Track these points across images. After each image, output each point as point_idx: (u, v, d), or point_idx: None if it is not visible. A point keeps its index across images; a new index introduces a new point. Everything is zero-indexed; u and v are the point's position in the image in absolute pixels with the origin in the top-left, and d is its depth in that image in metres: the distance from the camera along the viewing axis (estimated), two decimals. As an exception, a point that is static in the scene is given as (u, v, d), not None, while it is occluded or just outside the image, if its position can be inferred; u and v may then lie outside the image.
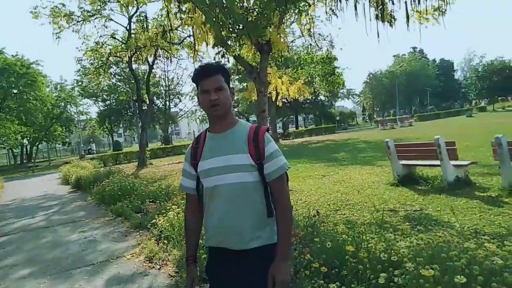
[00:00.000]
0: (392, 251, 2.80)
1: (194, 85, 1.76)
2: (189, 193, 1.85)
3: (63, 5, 15.96)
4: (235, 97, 43.14)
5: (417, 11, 8.07)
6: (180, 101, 46.23)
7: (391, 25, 8.14)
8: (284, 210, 1.70)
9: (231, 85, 1.76)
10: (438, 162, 6.63)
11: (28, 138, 33.74)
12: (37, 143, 36.85)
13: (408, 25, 8.12)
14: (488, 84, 52.58)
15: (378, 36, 8.02)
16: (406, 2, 7.79)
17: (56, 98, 34.57)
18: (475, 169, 7.51)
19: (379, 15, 7.90)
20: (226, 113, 1.70)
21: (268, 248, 1.65)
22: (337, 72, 23.46)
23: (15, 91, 29.11)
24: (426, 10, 8.08)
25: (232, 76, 33.35)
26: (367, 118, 62.25)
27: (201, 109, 1.81)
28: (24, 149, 38.57)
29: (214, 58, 9.04)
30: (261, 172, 1.66)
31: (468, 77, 71.34)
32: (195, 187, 1.79)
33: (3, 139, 29.35)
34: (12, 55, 29.06)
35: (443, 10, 8.04)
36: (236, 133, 1.71)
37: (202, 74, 1.68)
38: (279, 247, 1.65)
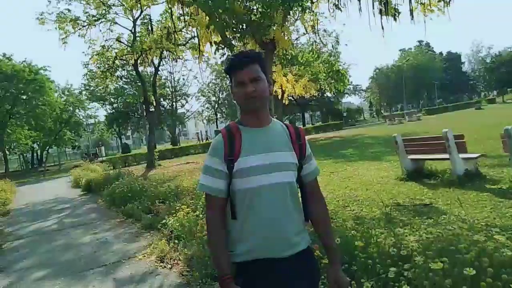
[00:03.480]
0: (402, 246, 2.81)
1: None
2: (217, 196, 1.53)
3: (69, 10, 16.15)
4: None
5: (421, 3, 8.02)
6: (187, 102, 46.49)
7: (395, 19, 8.09)
8: (327, 211, 1.67)
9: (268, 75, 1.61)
10: (447, 156, 6.58)
11: (38, 142, 34.20)
12: (47, 147, 37.35)
13: (412, 17, 8.08)
14: (496, 76, 52.01)
15: (383, 28, 7.98)
16: (410, -5, 7.75)
17: (64, 102, 34.99)
18: (485, 162, 7.44)
19: (383, 9, 7.86)
20: (264, 105, 1.55)
21: (309, 249, 1.61)
22: (341, 70, 23.36)
23: (24, 97, 29.52)
24: (430, 2, 8.01)
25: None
26: (374, 113, 61.90)
27: (235, 102, 1.55)
28: (35, 154, 39.07)
29: (220, 58, 9.07)
30: (298, 172, 1.59)
31: (476, 69, 70.56)
32: (226, 188, 1.53)
33: (14, 144, 29.80)
34: (20, 62, 29.47)
35: (448, 1, 7.97)
36: (277, 129, 1.59)
37: (237, 64, 1.52)
38: (332, 250, 1.61)
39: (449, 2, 7.90)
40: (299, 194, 1.60)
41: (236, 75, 1.52)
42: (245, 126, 1.55)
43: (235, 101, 1.59)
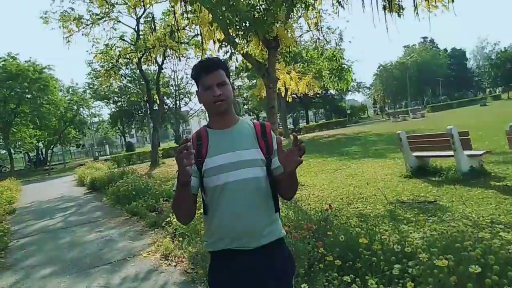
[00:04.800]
0: (406, 243, 2.80)
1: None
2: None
3: (72, 9, 16.16)
4: (245, 94, 43.17)
5: None
6: (190, 100, 46.51)
7: (399, 15, 8.02)
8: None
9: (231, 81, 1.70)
10: (451, 153, 6.55)
11: (43, 141, 34.38)
12: (52, 146, 37.52)
13: (417, 13, 8.00)
14: (502, 72, 51.54)
15: (386, 22, 7.88)
16: (414, -9, 7.68)
17: (68, 101, 35.13)
18: (490, 159, 7.40)
19: (387, 5, 7.81)
20: (230, 108, 1.65)
21: (279, 242, 1.65)
22: (345, 67, 23.25)
23: (29, 96, 29.64)
24: (435, -2, 7.93)
25: (241, 73, 33.31)
26: (378, 110, 61.61)
27: (202, 106, 1.56)
28: (40, 153, 39.30)
29: (223, 56, 9.06)
30: (268, 167, 1.63)
31: (481, 66, 70.04)
32: (197, 185, 1.63)
33: (19, 143, 29.98)
34: (25, 61, 29.60)
35: (452, -3, 7.88)
36: (242, 128, 1.67)
37: (203, 70, 1.62)
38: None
39: (452, -2, 7.81)
40: (269, 189, 1.63)
41: (203, 80, 1.61)
42: (212, 129, 1.67)
43: (201, 105, 1.68)
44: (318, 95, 40.49)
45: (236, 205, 1.57)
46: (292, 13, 9.49)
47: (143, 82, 24.53)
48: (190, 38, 16.97)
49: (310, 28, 12.01)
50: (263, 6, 7.84)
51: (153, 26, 16.73)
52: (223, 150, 1.60)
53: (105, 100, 42.14)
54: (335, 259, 2.86)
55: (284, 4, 7.58)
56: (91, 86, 37.56)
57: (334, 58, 20.84)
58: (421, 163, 7.33)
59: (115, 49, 17.97)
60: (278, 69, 16.53)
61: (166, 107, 40.26)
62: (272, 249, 1.61)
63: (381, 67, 66.40)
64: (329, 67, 22.25)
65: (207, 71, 1.60)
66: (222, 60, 1.72)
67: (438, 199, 5.40)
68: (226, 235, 1.59)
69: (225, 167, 1.57)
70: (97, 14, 16.40)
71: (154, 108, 20.07)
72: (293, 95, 31.00)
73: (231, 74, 1.79)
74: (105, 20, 16.71)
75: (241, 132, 1.66)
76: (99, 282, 4.15)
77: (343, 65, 23.02)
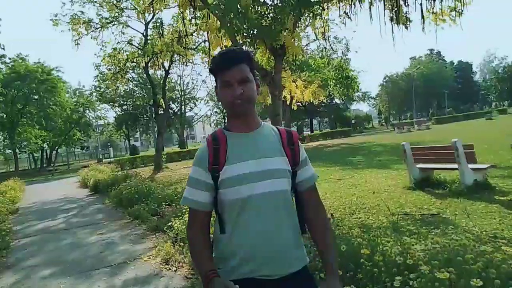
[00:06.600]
0: (408, 255, 2.79)
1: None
2: (200, 209, 1.40)
3: (82, 12, 16.40)
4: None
5: (432, 12, 7.99)
6: (195, 105, 46.79)
7: (406, 28, 8.07)
8: (328, 220, 1.53)
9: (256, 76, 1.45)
10: (455, 166, 6.52)
11: (48, 142, 34.64)
12: (57, 147, 37.80)
13: (423, 27, 8.05)
14: (508, 86, 51.39)
15: (393, 33, 7.94)
16: (421, 4, 7.73)
17: (75, 103, 35.43)
18: (494, 173, 7.35)
19: (394, 17, 7.85)
20: (252, 109, 1.41)
21: (306, 270, 1.45)
22: (352, 75, 23.35)
23: (36, 97, 29.97)
24: (442, 11, 7.98)
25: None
26: (383, 121, 61.49)
27: (221, 105, 1.29)
28: (44, 153, 39.57)
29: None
30: (293, 179, 1.43)
31: (488, 79, 69.89)
32: (211, 200, 1.40)
33: (25, 143, 30.22)
34: (34, 62, 29.95)
35: (460, 11, 7.93)
36: (266, 133, 1.44)
37: (224, 63, 1.37)
38: (330, 263, 1.43)
39: (461, 12, 7.86)
40: (294, 204, 1.46)
41: (222, 75, 1.37)
42: (232, 132, 1.42)
43: (220, 104, 1.44)
44: (323, 104, 40.50)
45: (264, 222, 1.34)
46: (299, 22, 9.56)
47: (149, 86, 24.70)
48: (197, 44, 17.13)
49: (317, 38, 12.07)
50: (271, 14, 7.91)
51: (161, 32, 16.90)
52: (245, 157, 1.36)
53: (111, 103, 42.45)
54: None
55: (292, 13, 7.65)
56: (98, 89, 37.89)
57: (341, 68, 20.96)
58: (425, 175, 7.30)
59: (123, 53, 18.19)
60: (284, 77, 16.59)
61: (171, 111, 40.46)
62: (301, 279, 1.41)
63: (387, 78, 66.47)
64: (336, 76, 22.36)
65: (227, 65, 1.36)
66: (247, 52, 1.46)
67: (441, 211, 5.36)
68: (251, 258, 1.33)
69: (248, 177, 1.34)
70: (106, 18, 16.62)
71: (160, 112, 20.17)
72: (298, 103, 31.07)
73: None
74: (114, 24, 16.94)
75: (266, 137, 1.43)
76: (99, 285, 4.15)
77: (349, 75, 23.14)
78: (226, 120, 1.52)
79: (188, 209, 1.48)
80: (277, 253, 1.34)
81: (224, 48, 8.78)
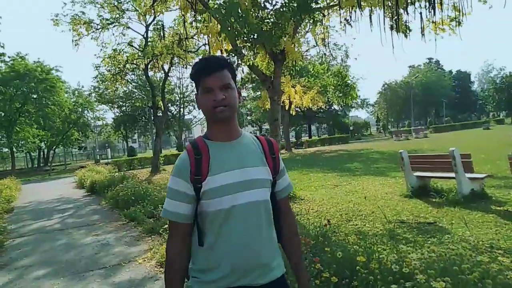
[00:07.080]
0: (404, 263, 2.78)
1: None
2: (180, 222, 1.36)
3: (83, 13, 16.41)
4: (249, 105, 43.34)
5: (432, 22, 8.04)
6: (194, 108, 46.78)
7: (406, 36, 8.11)
8: (297, 233, 1.56)
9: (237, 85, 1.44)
10: (453, 175, 6.54)
11: (45, 142, 34.54)
12: (54, 147, 37.67)
13: (423, 36, 8.08)
14: (506, 96, 51.70)
15: (393, 42, 7.97)
16: (421, 13, 7.77)
17: (73, 103, 35.38)
18: (491, 182, 7.38)
19: (394, 25, 7.89)
20: (233, 116, 1.39)
21: (284, 278, 1.47)
22: (350, 83, 23.44)
23: (34, 96, 29.90)
24: (442, 21, 8.03)
25: (246, 85, 33.53)
26: (381, 128, 61.68)
27: (202, 111, 1.31)
28: (42, 153, 39.43)
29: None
30: (272, 188, 1.44)
31: (486, 89, 70.31)
32: (193, 212, 1.36)
33: (22, 142, 30.11)
34: (34, 61, 29.92)
35: (459, 21, 7.98)
36: (247, 142, 1.43)
37: (205, 69, 1.35)
38: (302, 276, 1.51)
39: (460, 22, 7.90)
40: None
41: (204, 81, 1.35)
42: (213, 141, 1.39)
43: (201, 111, 1.40)
44: (321, 110, 40.64)
45: (247, 232, 1.33)
46: (300, 28, 9.61)
47: (149, 88, 24.69)
48: (198, 47, 17.17)
49: (317, 44, 12.13)
50: (272, 19, 7.94)
51: (161, 34, 16.94)
52: (228, 167, 1.33)
53: (110, 104, 42.42)
54: (332, 275, 2.83)
55: (293, 18, 7.68)
56: (97, 89, 37.85)
57: (340, 75, 21.05)
58: (422, 183, 7.31)
59: (123, 54, 18.18)
60: (283, 82, 16.62)
61: (170, 114, 40.46)
62: (279, 286, 1.42)
63: (386, 86, 66.74)
64: (335, 83, 22.44)
65: (209, 71, 1.34)
66: (228, 60, 1.45)
67: (438, 220, 5.36)
68: (235, 269, 1.32)
69: (231, 188, 1.32)
70: (107, 19, 16.64)
71: (158, 114, 20.16)
72: (296, 109, 31.15)
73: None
74: (114, 26, 16.97)
75: (248, 146, 1.42)
76: (93, 287, 4.12)
77: (348, 82, 23.24)
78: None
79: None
80: (259, 264, 1.35)
81: (223, 51, 8.82)
